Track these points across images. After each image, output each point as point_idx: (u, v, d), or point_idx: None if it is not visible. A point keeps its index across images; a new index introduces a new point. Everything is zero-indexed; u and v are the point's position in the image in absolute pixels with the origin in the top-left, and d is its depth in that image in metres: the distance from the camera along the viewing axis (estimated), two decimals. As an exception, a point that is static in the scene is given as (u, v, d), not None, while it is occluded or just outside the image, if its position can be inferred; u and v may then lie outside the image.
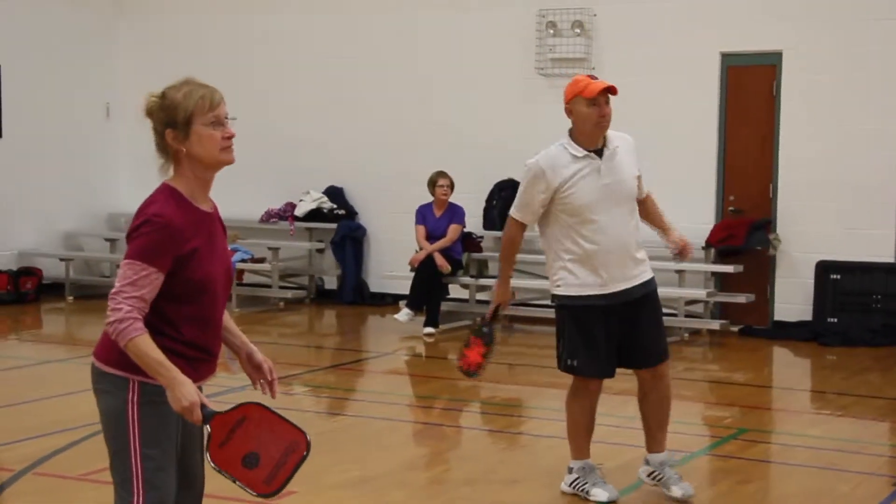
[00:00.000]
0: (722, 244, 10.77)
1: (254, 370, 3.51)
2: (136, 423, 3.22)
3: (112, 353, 3.23)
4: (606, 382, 5.34)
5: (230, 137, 3.32)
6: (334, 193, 12.65)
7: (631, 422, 6.92)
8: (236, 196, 13.03)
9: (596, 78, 5.17)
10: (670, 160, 11.17)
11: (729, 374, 9.28)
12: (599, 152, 5.14)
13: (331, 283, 12.75)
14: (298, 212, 12.58)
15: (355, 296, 12.36)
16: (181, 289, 3.22)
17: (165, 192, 3.29)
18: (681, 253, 5.26)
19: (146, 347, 3.10)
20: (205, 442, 3.19)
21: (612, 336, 5.14)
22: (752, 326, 10.77)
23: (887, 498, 5.52)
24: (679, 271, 10.62)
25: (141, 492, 3.22)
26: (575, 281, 5.14)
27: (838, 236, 10.60)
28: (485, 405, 8.00)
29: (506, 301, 5.49)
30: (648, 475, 5.41)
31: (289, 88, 12.86)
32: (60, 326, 11.79)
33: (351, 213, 12.57)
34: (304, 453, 3.19)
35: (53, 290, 12.61)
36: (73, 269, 12.85)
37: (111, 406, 3.24)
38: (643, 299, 5.18)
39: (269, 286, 12.38)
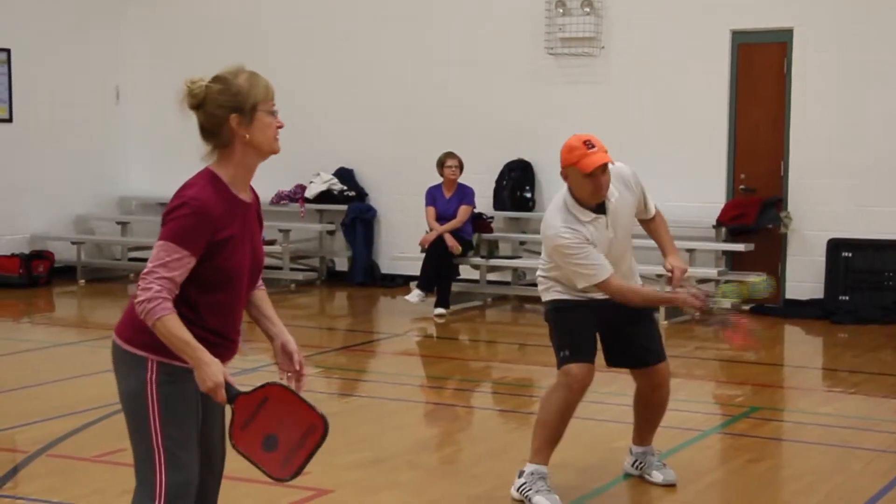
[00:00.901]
0: (733, 223, 10.74)
1: (285, 360, 3.52)
2: (156, 403, 3.22)
3: (131, 332, 3.24)
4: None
5: (280, 128, 3.40)
6: (344, 175, 12.64)
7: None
8: (246, 178, 13.07)
9: (592, 146, 4.87)
10: (681, 139, 11.14)
11: (740, 353, 9.27)
12: (602, 206, 4.98)
13: (341, 264, 12.77)
14: (309, 194, 12.59)
15: (366, 277, 12.37)
16: (209, 276, 3.23)
17: (206, 176, 3.31)
18: (672, 280, 5.04)
19: (174, 327, 3.11)
20: (227, 423, 3.20)
21: (591, 325, 5.05)
22: (764, 305, 10.75)
23: (899, 475, 5.53)
24: (690, 250, 10.60)
25: (164, 472, 3.23)
26: (559, 289, 5.09)
27: (850, 214, 10.56)
28: (496, 385, 8.02)
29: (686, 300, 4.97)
30: (632, 465, 5.40)
31: (298, 70, 12.83)
32: (72, 310, 11.84)
33: (361, 195, 12.57)
34: (322, 437, 3.19)
35: (65, 274, 12.66)
36: (85, 253, 12.89)
37: (130, 386, 3.25)
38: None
39: (280, 268, 12.39)
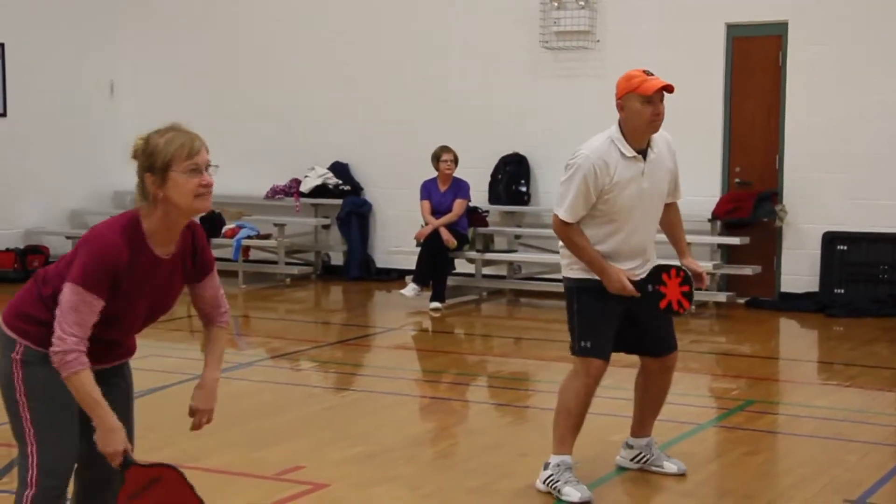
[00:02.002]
0: (728, 216, 10.75)
1: (199, 396, 3.70)
2: (22, 384, 3.39)
3: (9, 317, 3.44)
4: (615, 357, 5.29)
5: (207, 186, 3.36)
6: (339, 169, 12.63)
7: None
8: (242, 173, 13.04)
9: (651, 74, 4.92)
10: (676, 132, 11.00)
11: (736, 346, 9.28)
12: (644, 153, 4.93)
13: (337, 258, 12.76)
14: (304, 188, 12.57)
15: (361, 271, 12.36)
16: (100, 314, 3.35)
17: (127, 220, 3.39)
18: (701, 285, 5.01)
19: (87, 385, 3.27)
20: (117, 487, 3.35)
21: (613, 318, 5.02)
22: (759, 298, 10.76)
23: (895, 468, 5.53)
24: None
25: (34, 449, 3.40)
26: (590, 272, 5.00)
27: (845, 207, 10.57)
28: (492, 379, 8.02)
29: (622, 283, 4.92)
30: (632, 458, 5.36)
31: (292, 64, 12.82)
32: (68, 304, 11.84)
33: (356, 189, 12.56)
34: None
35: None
36: (80, 248, 12.86)
37: (3, 367, 3.43)
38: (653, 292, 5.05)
39: (275, 262, 12.38)
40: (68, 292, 3.28)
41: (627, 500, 5.25)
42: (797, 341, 9.74)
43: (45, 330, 3.35)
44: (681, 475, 5.28)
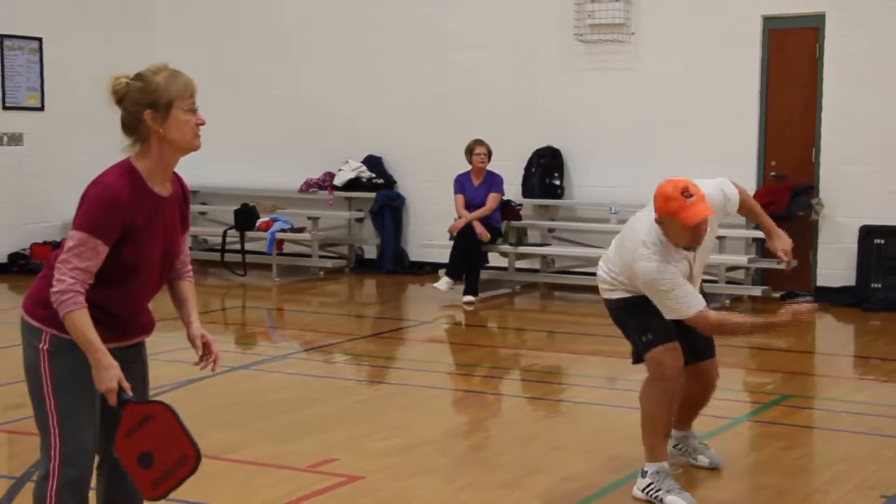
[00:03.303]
0: (764, 210, 10.64)
1: (198, 346, 3.67)
2: (48, 373, 3.40)
3: (32, 305, 3.44)
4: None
5: (202, 124, 3.47)
6: (373, 163, 12.65)
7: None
8: (276, 166, 13.11)
9: (690, 196, 4.60)
10: (711, 126, 11.06)
11: (771, 341, 9.20)
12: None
13: (370, 252, 12.79)
14: (337, 181, 12.61)
15: (395, 265, 12.38)
16: (115, 266, 3.36)
17: (123, 167, 3.42)
18: (786, 264, 5.07)
19: (82, 324, 3.28)
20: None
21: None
22: (795, 292, 10.67)
23: (933, 464, 5.48)
24: (720, 237, 10.53)
25: (58, 439, 3.41)
26: (634, 291, 4.93)
27: (882, 200, 10.46)
28: (525, 373, 8.01)
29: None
30: (673, 446, 5.30)
31: (326, 58, 12.85)
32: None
33: (390, 182, 12.57)
34: (192, 468, 3.32)
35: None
36: (116, 241, 12.97)
37: (29, 357, 3.44)
38: None
39: (308, 255, 12.43)
40: (72, 238, 3.29)
41: (661, 494, 5.22)
42: (833, 336, 9.65)
43: None
44: (713, 469, 5.24)
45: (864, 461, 5.49)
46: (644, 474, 4.90)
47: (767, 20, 10.89)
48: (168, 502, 4.79)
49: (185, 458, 3.31)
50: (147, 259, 3.43)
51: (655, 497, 4.82)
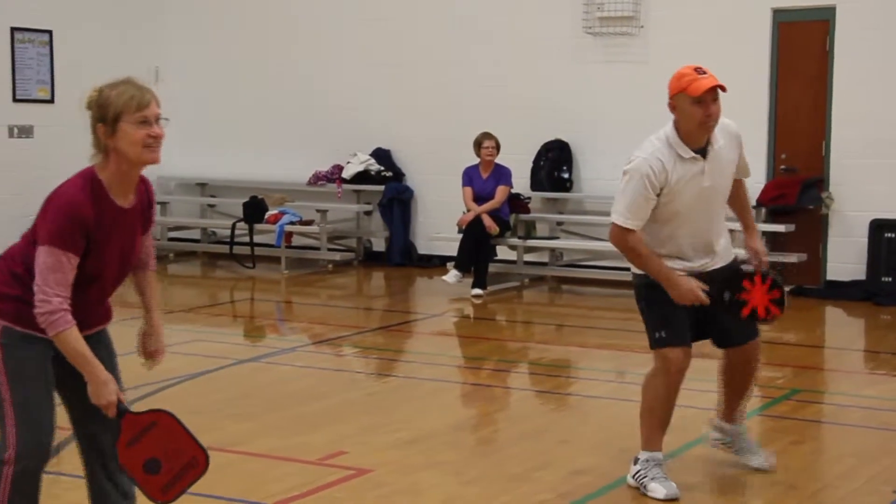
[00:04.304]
0: (773, 203, 10.64)
1: (148, 340, 3.80)
2: (3, 365, 3.45)
3: None
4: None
5: (156, 137, 3.48)
6: (381, 156, 12.64)
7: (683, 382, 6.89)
8: (284, 159, 13.11)
9: (703, 72, 4.73)
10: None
11: (780, 335, 9.17)
12: (703, 151, 4.78)
13: (379, 245, 12.78)
14: (346, 174, 12.60)
15: (403, 258, 12.38)
16: (76, 276, 3.43)
17: (85, 177, 3.50)
18: (756, 266, 4.93)
19: (75, 341, 3.38)
20: (116, 437, 3.44)
21: (684, 307, 4.83)
22: (805, 286, 10.65)
23: (943, 459, 5.46)
24: (730, 231, 10.49)
25: (14, 430, 3.47)
26: None
27: (892, 194, 10.41)
28: (533, 366, 8.00)
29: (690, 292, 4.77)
30: (722, 442, 5.26)
31: (334, 52, 12.83)
32: (113, 289, 11.96)
33: (398, 175, 12.56)
34: (203, 471, 3.40)
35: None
36: (125, 233, 12.99)
37: None
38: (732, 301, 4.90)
39: (317, 248, 12.43)
40: (43, 254, 3.37)
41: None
42: (843, 330, 9.63)
43: (22, 306, 3.44)
44: (764, 470, 5.12)
45: (874, 456, 5.48)
46: (636, 461, 4.97)
47: (777, 13, 10.84)
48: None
49: (195, 461, 3.39)
50: (105, 268, 3.52)
51: (641, 483, 4.89)
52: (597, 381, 7.35)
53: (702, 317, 4.91)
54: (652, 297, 4.89)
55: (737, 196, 5.14)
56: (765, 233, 10.71)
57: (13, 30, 12.16)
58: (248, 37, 13.33)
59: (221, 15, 13.47)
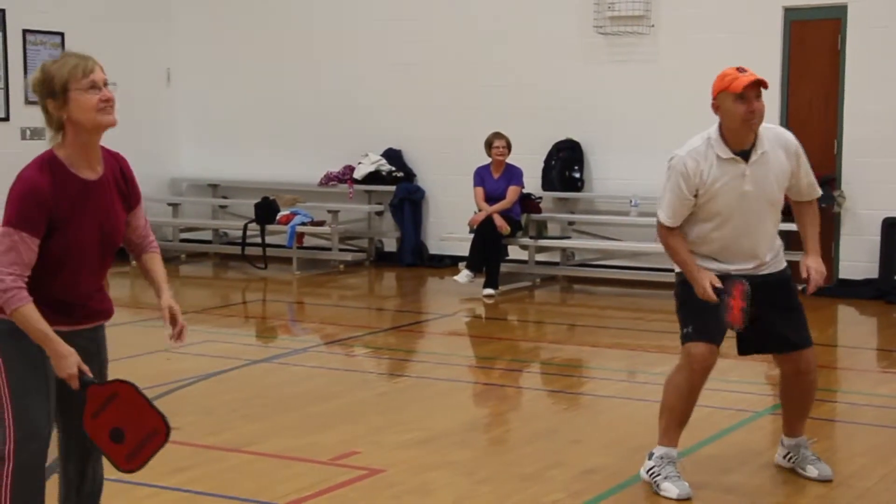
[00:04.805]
0: (785, 202, 10.58)
1: (169, 319, 3.76)
2: (7, 369, 3.46)
3: None
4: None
5: (107, 100, 3.50)
6: (392, 156, 12.65)
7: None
8: (296, 160, 13.13)
9: (745, 71, 4.78)
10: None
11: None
12: (746, 154, 4.76)
13: (390, 245, 12.80)
14: (357, 175, 12.62)
15: (414, 258, 12.39)
16: (49, 254, 3.44)
17: (42, 158, 3.49)
18: (808, 285, 4.90)
19: (31, 318, 3.37)
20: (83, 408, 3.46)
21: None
22: (819, 286, 10.60)
23: (957, 457, 5.44)
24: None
25: (12, 420, 3.46)
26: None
27: (905, 193, 10.39)
28: (545, 366, 8.00)
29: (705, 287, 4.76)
30: (784, 457, 5.20)
31: (346, 53, 12.85)
32: (125, 290, 11.95)
33: (409, 176, 12.58)
34: (164, 440, 3.44)
35: (118, 255, 12.76)
36: (137, 234, 13.03)
37: None
38: (771, 285, 4.88)
39: (328, 249, 12.45)
40: (2, 237, 3.36)
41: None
42: (856, 329, 9.60)
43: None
44: (823, 481, 5.01)
45: (887, 455, 5.46)
46: (650, 456, 4.94)
47: (789, 11, 10.82)
48: (191, 496, 4.83)
49: (156, 431, 3.43)
50: (78, 246, 3.50)
51: (654, 481, 4.87)
52: (609, 380, 7.35)
53: (754, 326, 4.81)
54: (686, 294, 4.87)
55: (802, 215, 5.07)
56: (783, 233, 10.67)
57: (25, 32, 12.21)
58: (259, 38, 13.36)
59: (232, 16, 13.50)
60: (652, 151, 11.23)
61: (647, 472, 4.93)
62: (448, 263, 12.07)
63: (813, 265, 4.94)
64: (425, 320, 9.90)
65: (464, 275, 10.57)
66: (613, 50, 11.54)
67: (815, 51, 10.78)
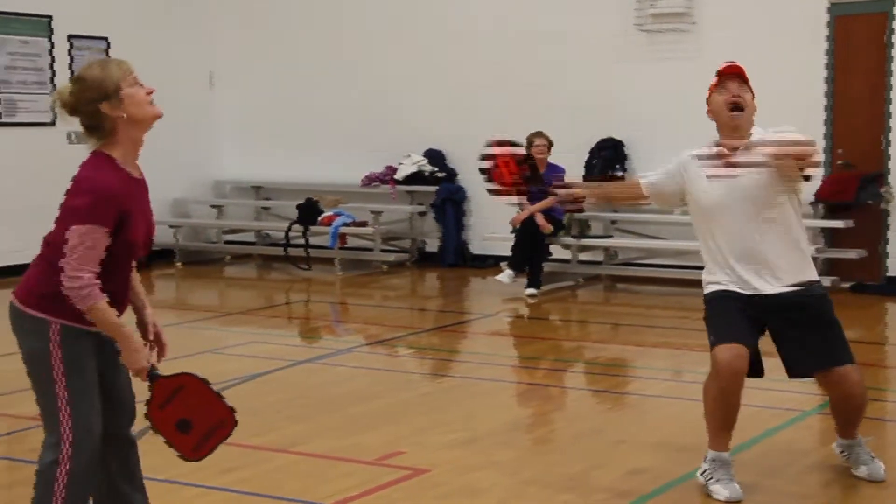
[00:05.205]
0: (831, 199, 10.49)
1: (143, 329, 3.81)
2: (59, 361, 3.53)
3: (34, 298, 3.56)
4: None
5: (151, 93, 3.69)
6: (434, 156, 12.66)
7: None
8: (338, 161, 13.18)
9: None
10: (776, 114, 10.80)
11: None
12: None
13: (432, 245, 12.81)
14: (399, 175, 12.64)
15: (457, 258, 12.39)
16: (114, 250, 3.53)
17: (101, 159, 3.59)
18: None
19: (106, 313, 3.48)
20: (147, 400, 3.62)
21: (741, 314, 4.78)
22: (864, 283, 10.49)
23: None
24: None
25: (68, 421, 3.54)
26: (711, 279, 4.92)
27: (955, 188, 10.24)
28: (589, 366, 7.97)
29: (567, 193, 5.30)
30: (840, 452, 5.17)
31: (388, 54, 12.88)
32: (171, 292, 12.09)
33: (451, 176, 12.58)
34: (230, 430, 3.61)
35: (163, 257, 12.93)
36: (182, 236, 13.15)
37: (35, 347, 3.56)
38: (798, 304, 4.82)
39: (371, 249, 12.48)
40: (76, 233, 3.44)
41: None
42: (904, 327, 9.48)
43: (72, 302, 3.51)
44: (874, 481, 4.97)
45: (938, 454, 5.38)
46: (706, 459, 4.92)
47: (833, 6, 10.69)
48: (237, 496, 4.86)
49: (223, 423, 3.58)
50: (131, 243, 3.61)
51: (706, 483, 4.85)
52: (654, 380, 7.31)
53: (787, 344, 4.86)
54: (710, 309, 4.91)
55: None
56: (822, 229, 10.57)
57: (71, 37, 12.36)
58: (301, 40, 13.43)
59: (275, 19, 13.58)
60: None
61: (702, 474, 4.89)
62: (490, 263, 12.06)
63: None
64: (468, 320, 9.90)
65: (506, 274, 10.56)
66: (655, 47, 11.47)
67: (862, 45, 10.65)
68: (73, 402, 3.54)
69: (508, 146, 5.02)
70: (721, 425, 4.86)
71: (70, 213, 3.48)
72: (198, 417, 3.55)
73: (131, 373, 3.61)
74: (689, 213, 5.18)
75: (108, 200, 3.47)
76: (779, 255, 4.84)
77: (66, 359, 3.54)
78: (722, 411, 4.83)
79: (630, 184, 5.30)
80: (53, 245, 3.55)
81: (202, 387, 3.58)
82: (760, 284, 4.83)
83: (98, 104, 3.56)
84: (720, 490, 4.77)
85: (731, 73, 4.90)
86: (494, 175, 4.92)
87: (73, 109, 3.60)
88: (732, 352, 4.74)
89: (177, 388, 3.55)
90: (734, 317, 4.78)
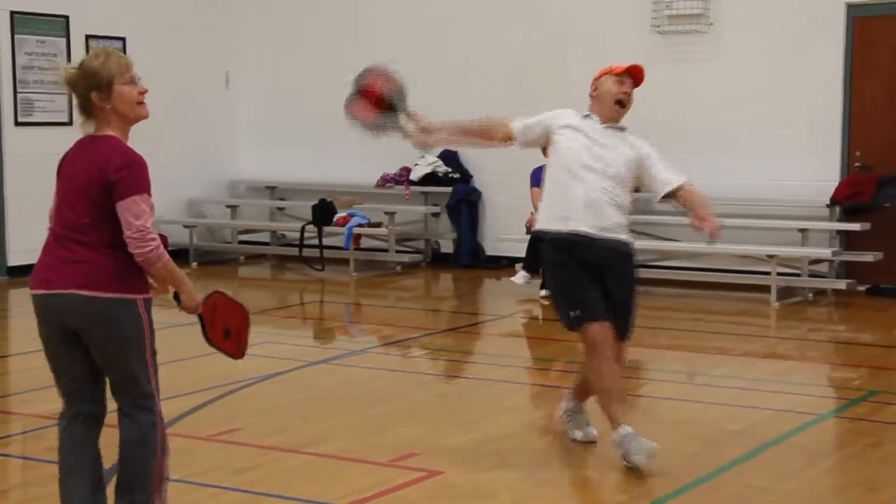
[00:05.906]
0: (848, 201, 10.44)
1: None
2: (148, 331, 3.87)
3: (117, 283, 3.78)
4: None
5: (144, 93, 3.90)
6: (449, 157, 12.66)
7: (756, 384, 6.79)
8: (352, 162, 13.18)
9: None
10: (793, 116, 10.86)
11: (856, 335, 9.02)
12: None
13: (447, 246, 12.80)
14: (413, 176, 12.64)
15: (471, 259, 12.38)
16: None
17: (113, 139, 3.85)
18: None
19: (173, 265, 3.84)
20: (200, 327, 4.09)
21: (587, 278, 5.23)
22: (881, 286, 10.44)
23: None
24: (802, 230, 10.36)
25: (156, 382, 3.92)
26: (546, 215, 5.43)
27: (972, 191, 10.17)
28: (604, 367, 7.93)
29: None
30: (564, 414, 5.67)
31: (402, 54, 12.86)
32: (185, 292, 12.13)
33: (465, 177, 12.57)
34: (248, 322, 4.28)
35: (178, 256, 12.95)
36: (197, 236, 13.18)
37: (130, 328, 3.80)
38: (614, 259, 5.38)
39: (385, 250, 12.48)
40: (141, 202, 3.74)
41: (746, 491, 5.13)
42: (921, 330, 9.41)
43: (144, 274, 3.83)
44: (588, 442, 5.53)
45: (955, 459, 5.35)
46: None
47: (851, 7, 10.65)
48: (252, 496, 4.86)
49: (245, 320, 4.27)
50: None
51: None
52: (668, 382, 7.29)
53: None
54: (556, 280, 5.41)
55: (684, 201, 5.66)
56: (839, 232, 10.53)
57: (88, 37, 12.40)
58: (316, 40, 13.44)
59: (291, 19, 13.60)
60: (711, 151, 11.13)
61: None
62: (505, 264, 12.05)
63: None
64: (482, 322, 9.89)
65: (520, 276, 10.54)
66: (672, 49, 11.44)
67: (880, 47, 10.59)
68: (155, 369, 3.90)
69: (386, 80, 5.34)
70: (615, 399, 5.23)
71: (129, 184, 3.71)
72: (232, 324, 4.18)
73: (186, 311, 3.99)
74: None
75: (146, 169, 3.80)
76: (614, 213, 5.60)
77: (151, 328, 3.87)
78: (609, 386, 5.22)
79: (499, 122, 5.77)
80: (92, 226, 3.75)
81: (225, 300, 4.17)
82: (585, 227, 5.48)
83: (89, 92, 3.79)
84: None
85: (634, 74, 5.57)
86: (363, 94, 5.27)
87: (70, 89, 3.84)
88: (599, 333, 5.18)
89: (213, 307, 4.10)
90: (586, 285, 5.33)
